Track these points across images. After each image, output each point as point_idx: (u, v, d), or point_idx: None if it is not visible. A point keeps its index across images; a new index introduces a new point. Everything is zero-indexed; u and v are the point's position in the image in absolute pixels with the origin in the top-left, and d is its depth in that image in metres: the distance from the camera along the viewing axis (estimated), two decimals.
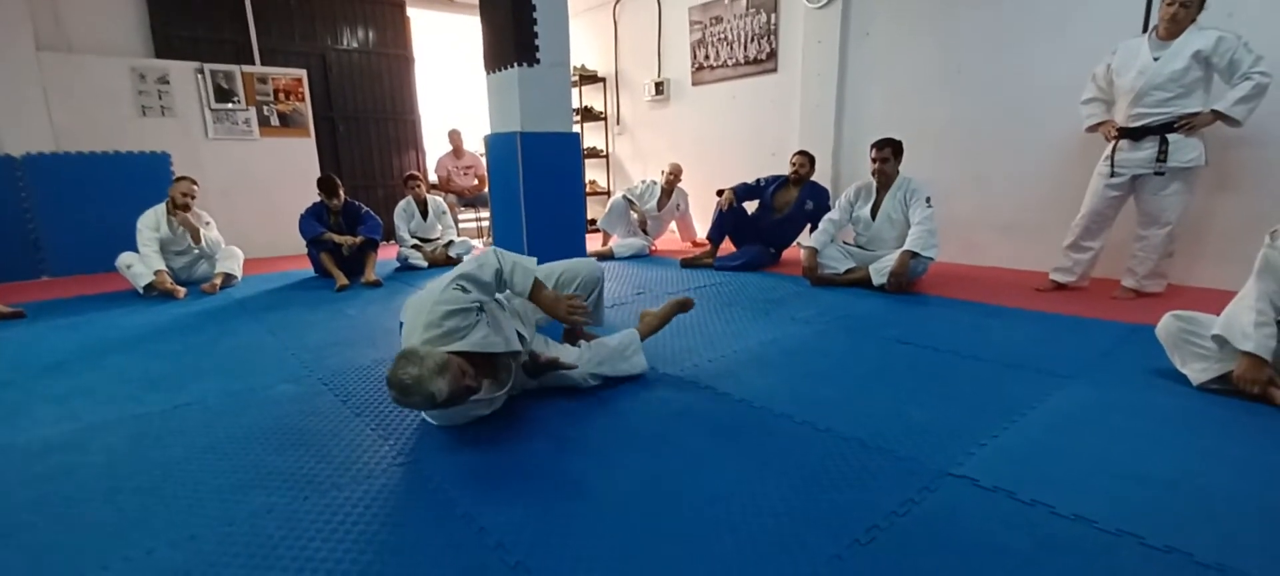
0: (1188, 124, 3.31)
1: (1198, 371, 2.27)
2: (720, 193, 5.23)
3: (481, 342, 1.92)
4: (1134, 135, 3.48)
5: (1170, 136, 3.36)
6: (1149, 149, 3.43)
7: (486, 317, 1.99)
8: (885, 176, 4.15)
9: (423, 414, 2.13)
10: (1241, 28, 3.31)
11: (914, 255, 3.84)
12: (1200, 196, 3.69)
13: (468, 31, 8.34)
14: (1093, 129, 3.76)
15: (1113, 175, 3.57)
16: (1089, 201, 3.72)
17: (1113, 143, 3.58)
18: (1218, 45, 3.20)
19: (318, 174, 6.50)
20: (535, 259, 2.20)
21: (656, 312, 2.72)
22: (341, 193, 5.03)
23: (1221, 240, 3.79)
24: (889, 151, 4.10)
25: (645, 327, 2.63)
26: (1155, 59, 3.36)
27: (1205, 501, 1.56)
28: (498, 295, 2.17)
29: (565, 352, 2.37)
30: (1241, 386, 2.13)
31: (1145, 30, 3.64)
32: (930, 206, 3.94)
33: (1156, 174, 3.42)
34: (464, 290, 1.95)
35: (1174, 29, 3.31)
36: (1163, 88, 3.33)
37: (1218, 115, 3.26)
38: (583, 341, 2.53)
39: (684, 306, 2.74)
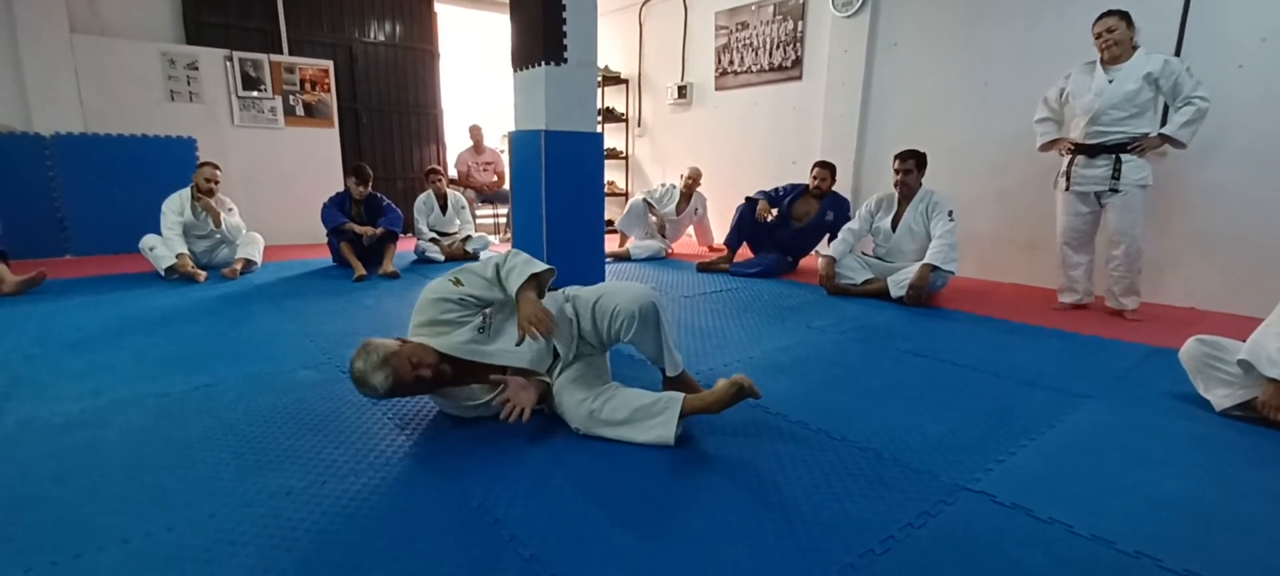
0: (1139, 147, 3.50)
1: (1221, 397, 2.23)
2: (751, 200, 5.19)
3: (457, 347, 1.92)
4: (1089, 152, 3.61)
5: (1124, 156, 3.51)
6: (1103, 166, 3.57)
7: (483, 320, 1.97)
8: (907, 188, 4.13)
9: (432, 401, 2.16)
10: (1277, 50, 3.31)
11: (934, 268, 3.82)
12: (1213, 219, 3.81)
13: (492, 28, 8.39)
14: (1046, 147, 3.91)
15: (1069, 189, 3.73)
16: (1060, 218, 3.87)
17: (1068, 158, 3.72)
18: (1164, 68, 3.39)
19: (340, 164, 6.62)
20: (552, 268, 2.06)
21: (716, 391, 1.93)
22: (370, 183, 5.08)
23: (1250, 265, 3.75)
24: (913, 163, 4.08)
25: (698, 401, 1.95)
26: (1110, 81, 3.52)
27: (1226, 527, 1.54)
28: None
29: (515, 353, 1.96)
30: (1266, 413, 2.10)
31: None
32: (953, 220, 3.92)
33: (1112, 192, 3.56)
34: (457, 282, 1.97)
35: (1116, 53, 3.50)
36: (1119, 107, 3.50)
37: (1165, 138, 3.45)
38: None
39: (748, 392, 1.90)
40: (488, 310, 1.99)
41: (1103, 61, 3.56)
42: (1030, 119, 4.48)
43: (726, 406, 1.94)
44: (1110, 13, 3.48)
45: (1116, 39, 3.46)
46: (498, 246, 6.16)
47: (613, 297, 2.07)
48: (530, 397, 1.93)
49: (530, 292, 1.95)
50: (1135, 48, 3.50)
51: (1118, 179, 3.52)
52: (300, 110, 6.48)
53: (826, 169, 5.01)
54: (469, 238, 5.75)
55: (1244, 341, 2.19)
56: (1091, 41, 3.56)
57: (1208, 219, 3.84)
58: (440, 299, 1.95)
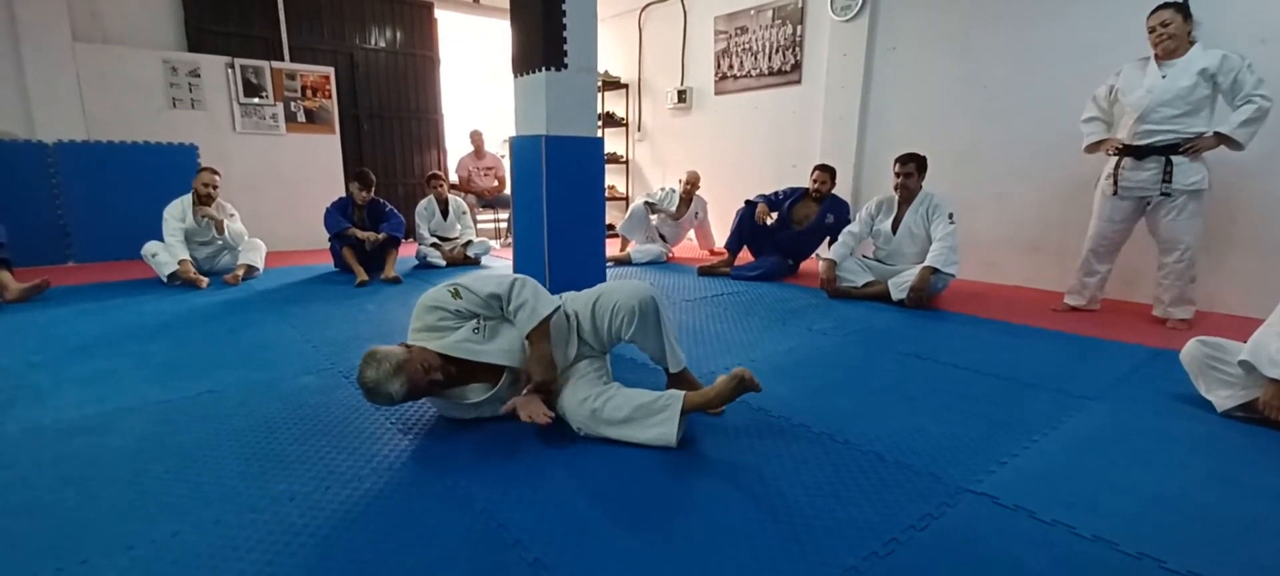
0: (1192, 147, 3.32)
1: (1223, 398, 2.23)
2: (751, 203, 5.20)
3: (455, 346, 1.95)
4: (1138, 154, 3.46)
5: (1175, 158, 3.35)
6: (1152, 169, 3.42)
7: (477, 324, 2.00)
8: (908, 191, 4.13)
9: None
10: (1276, 53, 3.31)
11: (934, 271, 3.81)
12: (1209, 219, 3.69)
13: (492, 34, 8.42)
14: (1093, 148, 3.75)
15: (1115, 194, 3.57)
16: (1095, 224, 3.73)
17: (1115, 159, 3.56)
18: (1222, 64, 3.22)
19: (341, 170, 6.64)
20: (558, 303, 2.02)
21: (717, 386, 1.95)
22: (373, 188, 5.10)
23: (1249, 265, 3.75)
24: (913, 166, 4.08)
25: (699, 397, 1.97)
26: (1163, 77, 3.37)
27: (1229, 527, 1.54)
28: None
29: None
30: (1267, 413, 2.10)
31: None
32: (953, 223, 3.92)
33: (1163, 194, 3.41)
34: (456, 294, 1.99)
35: (1171, 48, 3.34)
36: (1171, 104, 3.33)
37: (1221, 138, 3.27)
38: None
39: (749, 385, 1.92)
40: (480, 313, 2.03)
41: (1157, 57, 3.40)
42: (1030, 120, 4.51)
43: (728, 400, 1.96)
44: (1166, 5, 3.32)
45: (1172, 33, 3.29)
46: (499, 251, 6.17)
47: (612, 295, 2.11)
48: (540, 405, 1.95)
49: (543, 343, 1.97)
50: (1193, 42, 3.33)
51: (1168, 182, 3.36)
52: (301, 116, 6.50)
53: (826, 172, 5.02)
54: (470, 242, 5.76)
55: (1244, 342, 2.19)
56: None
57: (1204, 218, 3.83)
58: (437, 307, 1.98)
